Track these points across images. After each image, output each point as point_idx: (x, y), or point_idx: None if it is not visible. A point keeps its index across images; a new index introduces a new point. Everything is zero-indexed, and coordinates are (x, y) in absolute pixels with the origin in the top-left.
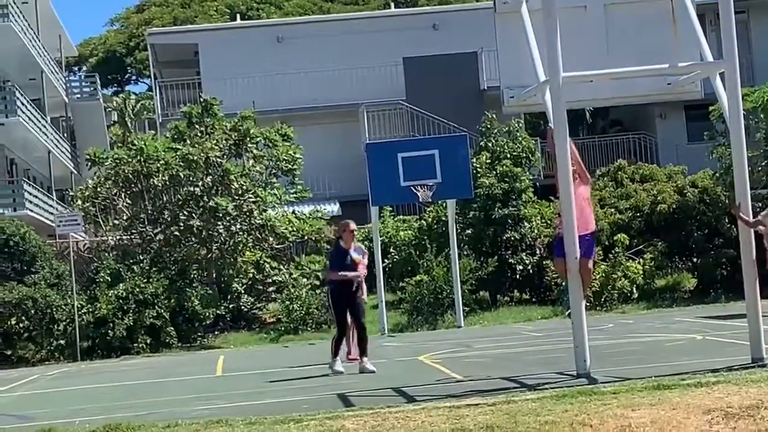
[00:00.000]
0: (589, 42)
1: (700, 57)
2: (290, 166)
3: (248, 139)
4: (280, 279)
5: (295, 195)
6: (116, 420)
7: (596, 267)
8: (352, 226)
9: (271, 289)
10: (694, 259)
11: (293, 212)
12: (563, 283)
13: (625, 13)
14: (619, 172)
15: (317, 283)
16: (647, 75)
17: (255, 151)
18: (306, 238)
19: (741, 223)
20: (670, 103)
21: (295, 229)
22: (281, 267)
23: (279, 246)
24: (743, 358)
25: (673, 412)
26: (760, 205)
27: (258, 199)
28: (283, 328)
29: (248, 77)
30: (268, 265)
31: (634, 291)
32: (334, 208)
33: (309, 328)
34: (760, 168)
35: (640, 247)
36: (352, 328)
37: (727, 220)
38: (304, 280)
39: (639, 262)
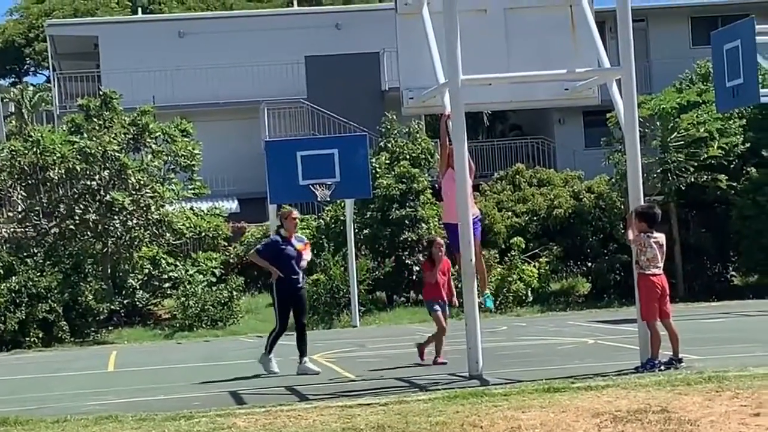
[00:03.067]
0: (489, 45)
1: (597, 63)
2: (189, 162)
3: (147, 133)
4: (176, 275)
5: (193, 191)
6: (4, 414)
7: (492, 270)
8: (295, 213)
9: (166, 285)
10: (589, 264)
11: (191, 208)
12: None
13: (525, 18)
14: (517, 176)
15: (213, 279)
16: (545, 80)
17: (154, 146)
18: (203, 234)
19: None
20: (568, 108)
21: (192, 225)
22: (177, 263)
23: (176, 242)
24: (633, 362)
25: (563, 415)
26: None
27: (156, 194)
28: (177, 325)
29: (149, 72)
30: (164, 261)
31: (529, 294)
32: (232, 205)
33: (204, 325)
34: (655, 175)
35: (536, 250)
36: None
37: (621, 226)
38: (200, 276)
39: (534, 266)
